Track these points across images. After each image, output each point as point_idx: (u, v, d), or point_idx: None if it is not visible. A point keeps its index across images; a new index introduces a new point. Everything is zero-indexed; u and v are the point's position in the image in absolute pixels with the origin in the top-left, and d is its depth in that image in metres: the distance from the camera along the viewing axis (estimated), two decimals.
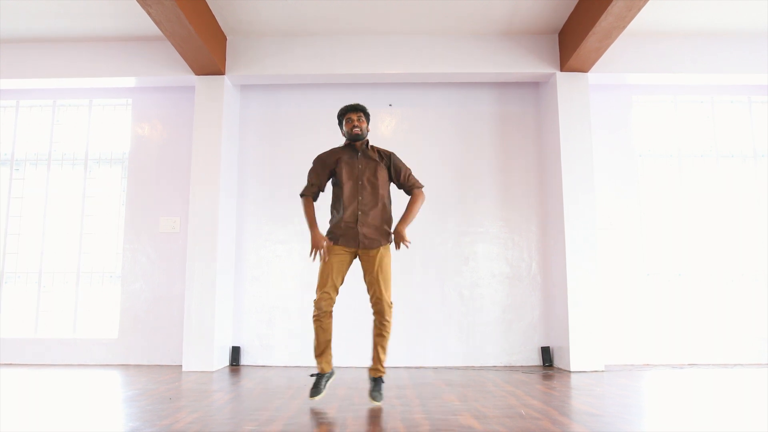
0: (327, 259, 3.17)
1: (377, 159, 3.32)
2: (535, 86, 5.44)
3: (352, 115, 3.31)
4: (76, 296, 5.29)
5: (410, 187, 3.40)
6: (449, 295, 5.15)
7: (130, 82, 5.29)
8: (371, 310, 3.27)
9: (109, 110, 5.57)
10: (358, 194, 3.25)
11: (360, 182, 3.27)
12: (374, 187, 3.27)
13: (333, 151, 3.40)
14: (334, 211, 3.35)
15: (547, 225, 5.20)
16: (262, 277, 5.23)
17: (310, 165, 3.41)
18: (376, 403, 3.16)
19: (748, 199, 5.37)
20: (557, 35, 5.11)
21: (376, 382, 3.27)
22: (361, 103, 3.46)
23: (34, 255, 5.36)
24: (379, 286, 3.21)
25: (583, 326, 4.68)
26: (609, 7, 3.96)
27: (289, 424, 2.68)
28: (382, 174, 3.31)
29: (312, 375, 3.32)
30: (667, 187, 5.39)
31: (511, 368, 4.87)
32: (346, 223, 3.23)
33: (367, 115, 3.37)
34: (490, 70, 5.09)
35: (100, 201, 5.45)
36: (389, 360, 4.88)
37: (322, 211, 3.53)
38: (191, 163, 5.03)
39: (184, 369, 4.71)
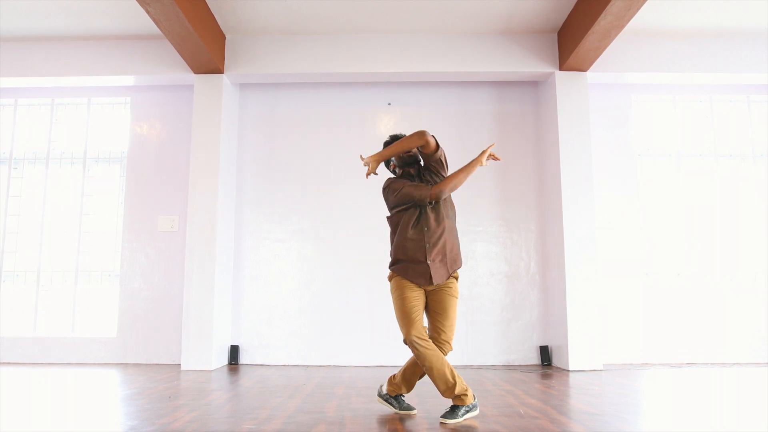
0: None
1: (428, 178, 2.96)
2: (534, 85, 5.44)
3: None
4: (74, 295, 5.28)
5: None
6: None
7: (128, 80, 5.28)
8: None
9: (108, 109, 5.57)
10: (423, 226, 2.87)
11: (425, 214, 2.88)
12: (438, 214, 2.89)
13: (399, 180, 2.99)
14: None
15: (546, 224, 5.20)
16: (261, 276, 5.22)
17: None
18: (446, 421, 2.72)
19: (747, 198, 5.37)
20: (556, 34, 5.11)
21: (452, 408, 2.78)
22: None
23: (32, 254, 5.35)
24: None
25: (581, 325, 4.68)
26: (608, 7, 3.96)
27: (287, 423, 2.68)
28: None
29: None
30: (666, 186, 5.39)
31: (510, 367, 4.87)
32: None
33: None
34: (489, 69, 5.09)
35: (99, 200, 5.45)
36: (388, 359, 4.92)
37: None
38: (190, 161, 5.02)
39: (182, 368, 4.70)
